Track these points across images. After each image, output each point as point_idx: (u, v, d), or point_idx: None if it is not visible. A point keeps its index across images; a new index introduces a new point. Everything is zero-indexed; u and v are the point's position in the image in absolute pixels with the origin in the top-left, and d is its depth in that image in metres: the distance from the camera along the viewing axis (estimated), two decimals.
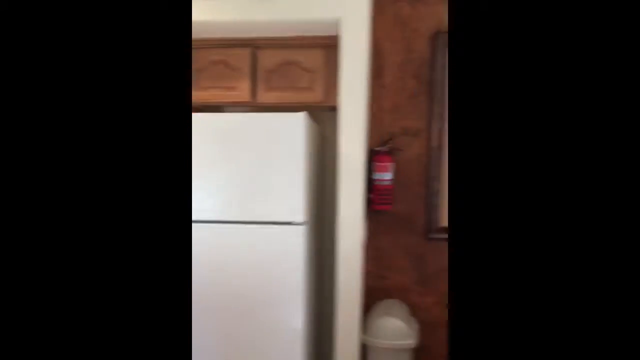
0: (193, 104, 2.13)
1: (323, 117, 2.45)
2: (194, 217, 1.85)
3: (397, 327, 2.05)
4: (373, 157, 2.20)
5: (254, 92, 2.09)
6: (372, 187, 2.21)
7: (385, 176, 2.19)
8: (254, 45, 2.05)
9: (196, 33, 1.99)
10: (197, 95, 2.10)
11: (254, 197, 1.83)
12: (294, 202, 1.82)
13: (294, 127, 1.77)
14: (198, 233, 1.86)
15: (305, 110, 2.28)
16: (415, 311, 2.32)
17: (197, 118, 1.82)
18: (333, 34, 1.95)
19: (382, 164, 2.18)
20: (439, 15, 2.15)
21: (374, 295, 2.35)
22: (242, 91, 2.07)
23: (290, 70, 2.05)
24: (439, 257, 2.29)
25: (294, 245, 1.84)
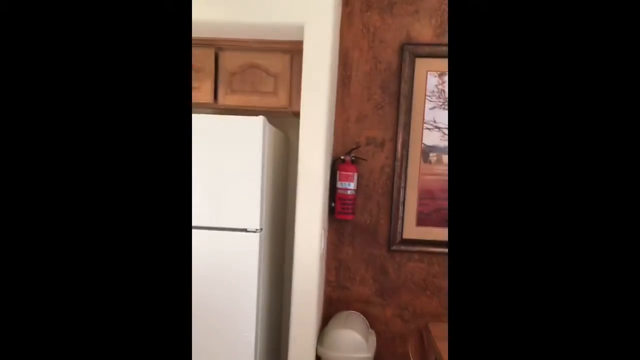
0: None
1: (289, 123, 2.41)
2: None
3: (353, 340, 2.01)
4: (337, 166, 2.18)
5: (215, 94, 2.05)
6: (335, 196, 2.19)
7: (349, 186, 2.16)
8: (217, 46, 2.01)
9: None
10: None
11: (207, 201, 1.77)
12: (249, 208, 1.77)
13: (252, 131, 1.73)
14: None
15: (270, 115, 2.25)
16: (374, 323, 2.29)
17: None
18: (298, 39, 1.92)
19: (346, 173, 2.15)
20: (407, 27, 2.15)
21: (335, 306, 2.31)
22: (203, 92, 2.03)
23: (254, 74, 2.02)
24: (401, 269, 2.27)
25: (248, 252, 1.79)
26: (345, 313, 2.23)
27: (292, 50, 1.98)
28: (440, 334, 1.67)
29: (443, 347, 1.55)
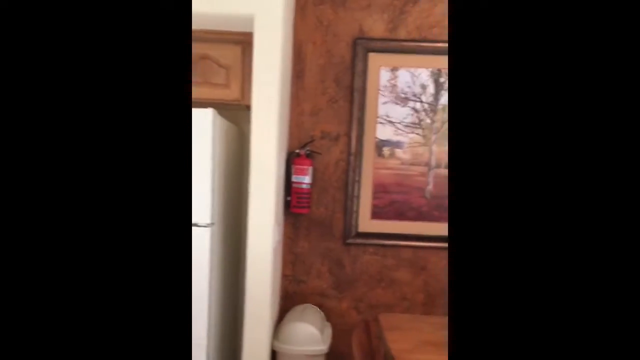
0: None
1: (243, 116, 2.38)
2: None
3: (308, 333, 2.02)
4: (292, 159, 2.17)
5: None
6: (290, 190, 2.18)
7: (304, 179, 2.16)
8: None
9: None
10: None
11: None
12: (200, 202, 1.74)
13: (201, 123, 1.69)
14: None
15: (223, 108, 2.21)
16: (330, 316, 2.31)
17: None
18: (249, 30, 1.90)
19: (301, 167, 2.15)
20: (359, 21, 2.17)
21: (292, 300, 2.31)
22: None
23: (205, 65, 1.97)
24: (356, 262, 2.29)
25: (199, 248, 1.75)
26: (301, 307, 2.23)
27: (244, 42, 1.96)
28: (390, 325, 1.70)
29: (391, 337, 1.58)
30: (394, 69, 2.18)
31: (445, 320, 1.86)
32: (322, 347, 2.02)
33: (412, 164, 2.24)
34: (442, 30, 2.17)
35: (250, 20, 1.77)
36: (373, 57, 2.16)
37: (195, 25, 1.89)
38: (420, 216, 2.26)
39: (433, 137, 2.22)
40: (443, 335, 1.66)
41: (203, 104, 2.08)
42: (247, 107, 2.11)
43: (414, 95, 2.20)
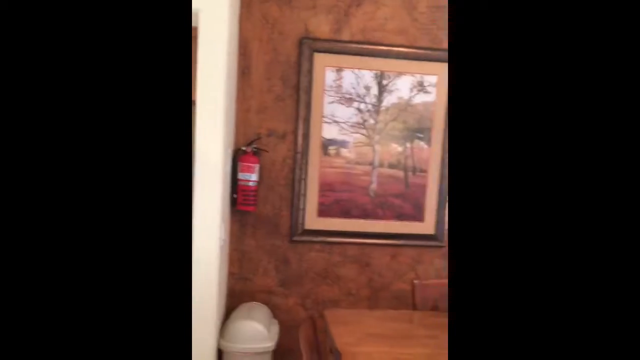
0: None
1: None
2: None
3: (254, 331, 2.02)
4: (239, 157, 2.16)
5: None
6: (237, 187, 2.16)
7: (251, 177, 2.15)
8: None
9: None
10: None
11: None
12: None
13: None
14: None
15: None
16: (277, 313, 2.32)
17: None
18: (194, 25, 1.86)
19: (247, 164, 2.14)
20: (305, 21, 2.19)
21: (238, 298, 2.30)
22: None
23: None
24: (302, 259, 2.32)
25: None
26: (248, 304, 2.23)
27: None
28: (335, 319, 1.75)
29: (337, 331, 1.62)
30: (339, 70, 2.23)
31: (388, 313, 1.94)
32: (269, 344, 2.03)
33: (357, 163, 2.30)
34: (384, 33, 2.25)
35: (195, 15, 1.74)
36: (318, 57, 2.20)
37: None
38: (364, 214, 2.33)
39: (376, 137, 2.30)
40: (386, 327, 1.73)
41: None
42: (193, 103, 2.07)
43: (358, 96, 2.26)
